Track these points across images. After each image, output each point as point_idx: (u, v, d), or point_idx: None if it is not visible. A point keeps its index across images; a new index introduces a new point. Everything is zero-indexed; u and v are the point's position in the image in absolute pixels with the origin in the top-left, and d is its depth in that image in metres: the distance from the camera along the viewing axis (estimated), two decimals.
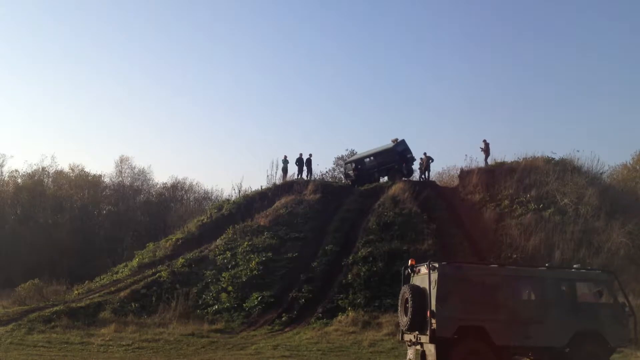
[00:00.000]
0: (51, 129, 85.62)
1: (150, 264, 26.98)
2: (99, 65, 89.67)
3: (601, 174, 29.46)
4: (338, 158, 47.66)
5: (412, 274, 13.06)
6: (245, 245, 25.91)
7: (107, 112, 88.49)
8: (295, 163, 33.92)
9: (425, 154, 32.21)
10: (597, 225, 23.32)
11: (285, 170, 34.30)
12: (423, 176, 32.23)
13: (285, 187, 32.11)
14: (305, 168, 33.90)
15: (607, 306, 12.57)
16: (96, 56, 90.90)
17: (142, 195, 49.47)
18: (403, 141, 32.32)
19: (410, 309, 11.96)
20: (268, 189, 32.95)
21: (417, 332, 12.13)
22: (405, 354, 13.09)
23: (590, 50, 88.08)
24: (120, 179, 49.21)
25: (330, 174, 43.98)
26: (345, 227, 27.29)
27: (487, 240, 24.48)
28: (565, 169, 27.77)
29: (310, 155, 34.20)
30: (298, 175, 33.83)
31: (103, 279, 27.73)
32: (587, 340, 12.06)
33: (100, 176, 48.40)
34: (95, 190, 47.34)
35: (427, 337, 11.64)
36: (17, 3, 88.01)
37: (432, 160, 32.22)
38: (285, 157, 34.37)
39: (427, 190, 29.63)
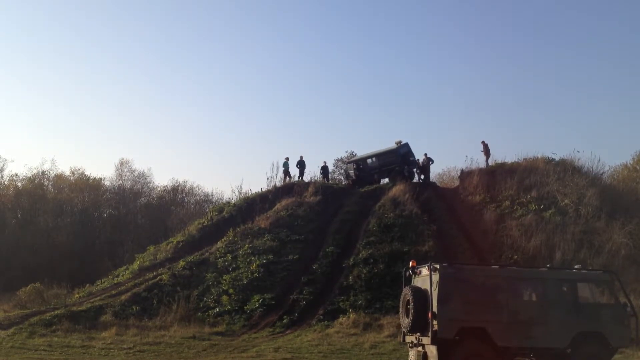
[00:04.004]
0: (51, 133, 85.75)
1: (151, 267, 26.98)
2: (98, 68, 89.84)
3: (602, 174, 29.44)
4: (338, 160, 47.73)
5: (413, 276, 13.08)
6: (245, 247, 25.91)
7: (107, 115, 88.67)
8: (296, 165, 33.96)
9: (425, 155, 32.25)
10: (597, 225, 23.30)
11: (286, 172, 34.32)
12: (420, 179, 32.18)
13: (285, 189, 32.11)
14: (319, 174, 35.36)
15: (608, 307, 12.59)
16: (96, 58, 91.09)
17: (142, 198, 49.54)
18: (407, 144, 32.44)
19: (411, 311, 11.98)
20: (268, 191, 32.92)
21: (418, 334, 12.15)
22: (407, 355, 13.09)
23: (590, 50, 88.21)
24: (121, 182, 49.32)
25: (331, 175, 43.97)
26: (346, 229, 27.28)
27: (487, 242, 24.45)
28: (565, 169, 27.75)
29: (325, 162, 35.71)
30: (298, 178, 33.86)
31: (104, 282, 27.75)
32: (589, 340, 12.06)
33: (100, 179, 48.60)
34: (96, 194, 47.42)
35: (429, 339, 11.66)
36: (16, 4, 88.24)
37: (433, 162, 32.25)
38: (287, 159, 34.42)
39: (428, 191, 29.63)
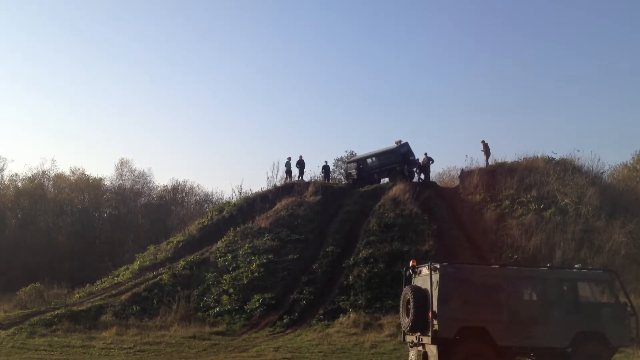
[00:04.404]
0: (51, 132, 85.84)
1: (151, 267, 26.98)
2: (98, 67, 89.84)
3: (602, 173, 29.44)
4: (338, 159, 47.69)
5: (413, 275, 13.08)
6: (246, 247, 25.91)
7: (107, 115, 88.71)
8: (296, 165, 33.97)
9: (425, 154, 32.26)
10: (598, 225, 23.29)
11: (288, 172, 34.33)
12: (420, 178, 32.21)
13: (285, 189, 32.10)
14: (321, 173, 35.59)
15: (608, 306, 12.59)
16: (96, 58, 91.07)
17: (142, 198, 49.58)
18: (406, 143, 32.46)
19: (411, 310, 11.98)
20: (268, 191, 32.93)
21: (419, 333, 12.15)
22: (407, 355, 13.09)
23: (591, 50, 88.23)
24: (121, 181, 49.38)
25: (331, 175, 43.96)
26: (346, 229, 27.27)
27: (488, 241, 24.46)
28: (565, 168, 27.74)
29: (326, 162, 35.88)
30: (298, 177, 33.89)
31: (104, 282, 27.76)
32: (589, 340, 12.07)
33: (100, 179, 48.60)
34: (96, 194, 47.44)
35: (429, 338, 11.67)
36: (16, 4, 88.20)
37: (433, 161, 32.25)
38: (289, 159, 34.44)
39: (428, 191, 29.61)
